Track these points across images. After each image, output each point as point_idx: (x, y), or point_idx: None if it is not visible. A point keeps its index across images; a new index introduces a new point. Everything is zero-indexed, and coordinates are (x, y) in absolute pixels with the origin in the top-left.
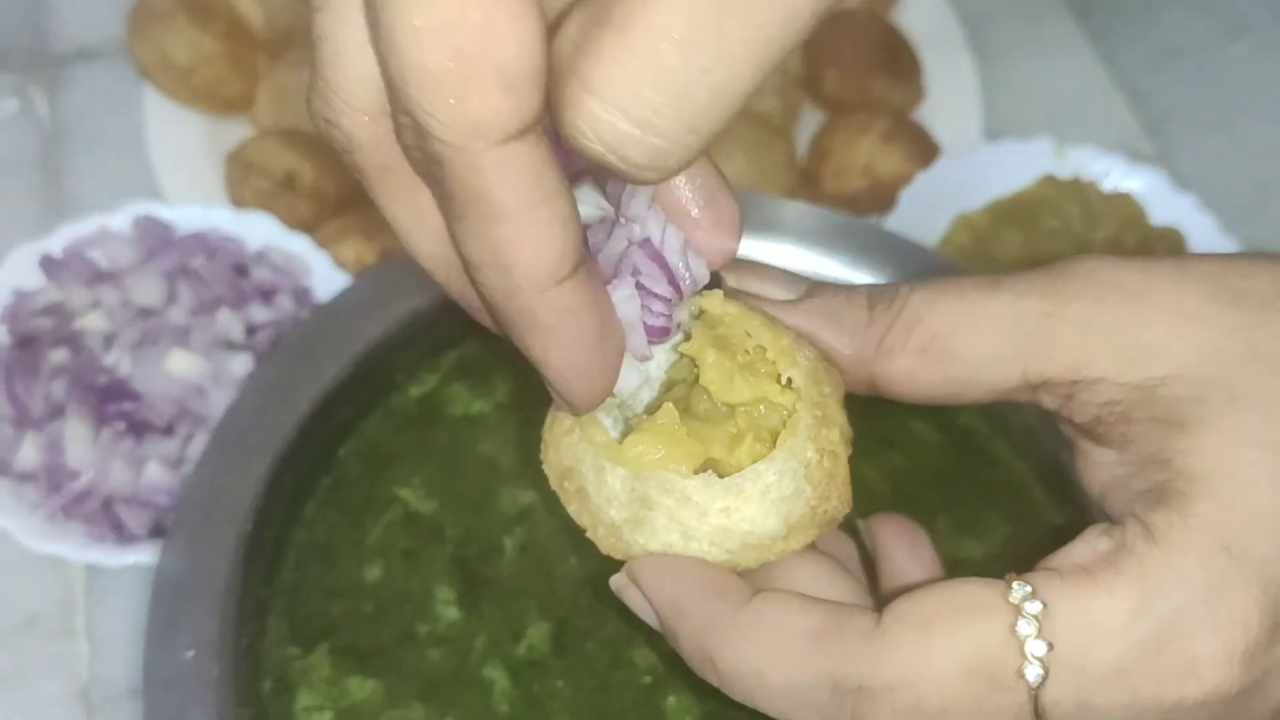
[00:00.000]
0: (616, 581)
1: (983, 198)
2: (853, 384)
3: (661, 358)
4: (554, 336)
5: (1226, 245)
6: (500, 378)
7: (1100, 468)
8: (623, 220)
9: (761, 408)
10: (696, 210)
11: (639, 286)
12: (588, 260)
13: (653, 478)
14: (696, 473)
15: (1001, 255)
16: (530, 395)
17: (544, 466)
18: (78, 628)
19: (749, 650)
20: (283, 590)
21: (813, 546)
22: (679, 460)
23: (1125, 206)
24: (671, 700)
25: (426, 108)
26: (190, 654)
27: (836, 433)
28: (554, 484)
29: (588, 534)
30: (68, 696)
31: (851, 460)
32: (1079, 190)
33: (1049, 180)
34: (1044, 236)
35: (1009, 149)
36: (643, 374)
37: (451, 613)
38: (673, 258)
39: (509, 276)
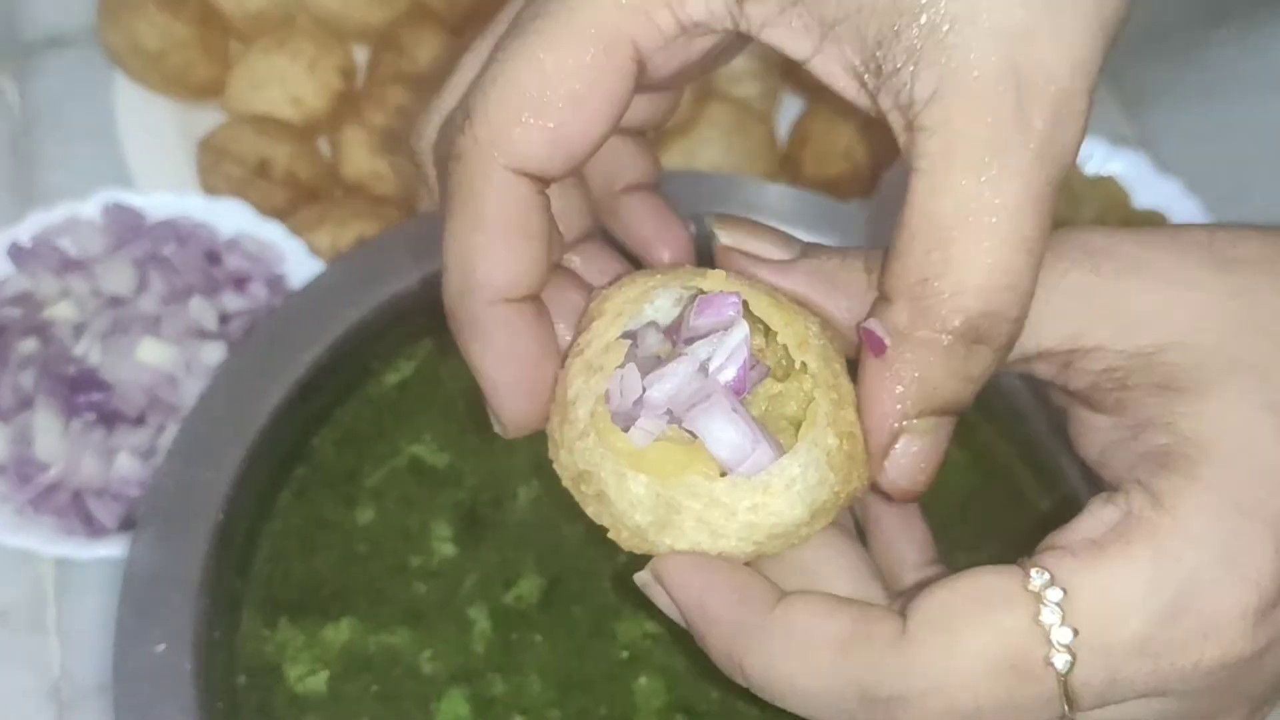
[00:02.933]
0: (642, 579)
1: None
2: (848, 349)
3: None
4: (491, 346)
5: None
6: None
7: (1097, 433)
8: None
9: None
10: (653, 235)
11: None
12: (542, 303)
13: (679, 483)
14: (722, 474)
15: None
16: None
17: (554, 466)
18: (48, 622)
19: (778, 659)
20: (257, 579)
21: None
22: (703, 464)
23: (1108, 190)
24: (642, 680)
25: (491, 109)
26: (161, 647)
27: (853, 411)
28: (567, 484)
29: (609, 534)
30: (38, 692)
31: None
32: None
33: None
34: None
35: None
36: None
37: (447, 549)
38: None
39: (469, 278)
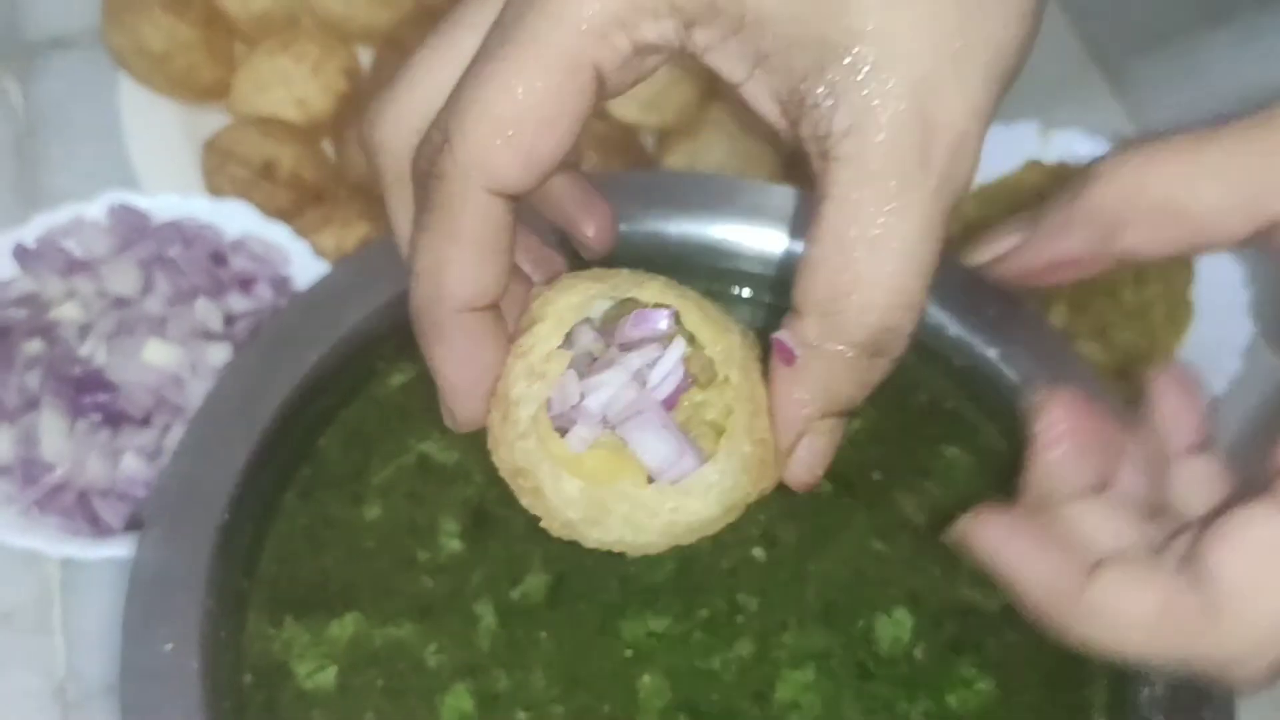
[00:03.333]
0: (954, 533)
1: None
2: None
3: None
4: (453, 351)
5: None
6: None
7: None
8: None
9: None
10: (579, 213)
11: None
12: (499, 310)
13: (610, 489)
14: (649, 480)
15: None
16: None
17: (492, 457)
18: (54, 623)
19: (1096, 634)
20: (263, 578)
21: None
22: (632, 471)
23: None
24: (646, 679)
25: (469, 135)
26: (169, 647)
27: (765, 418)
28: (505, 475)
29: (541, 523)
30: (44, 693)
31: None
32: (1065, 175)
33: (1034, 165)
34: None
35: (993, 133)
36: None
37: (454, 544)
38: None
39: (440, 288)
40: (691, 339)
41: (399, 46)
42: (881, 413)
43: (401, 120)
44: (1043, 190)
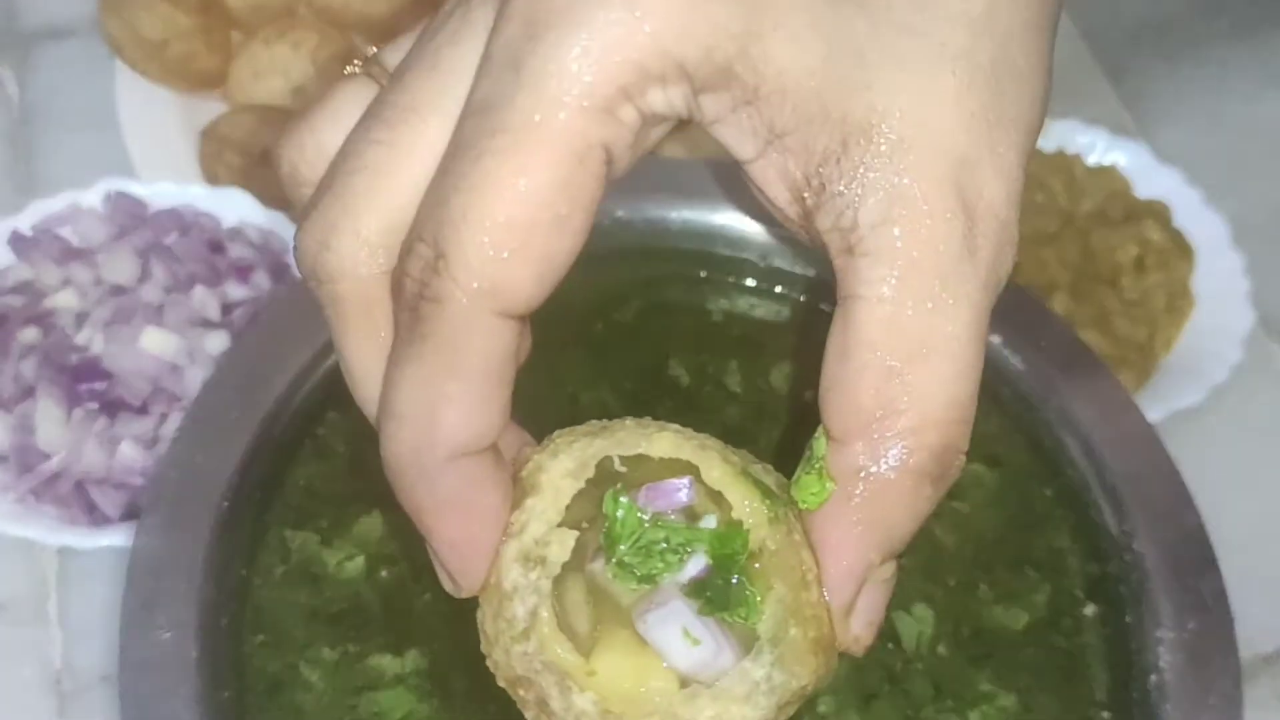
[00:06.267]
0: None
1: None
2: None
3: None
4: (452, 506)
5: (1212, 218)
6: None
7: None
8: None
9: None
10: None
11: None
12: (498, 448)
13: (633, 702)
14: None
15: None
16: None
17: (486, 661)
18: (50, 613)
19: None
20: (261, 563)
21: None
22: (658, 676)
23: (1110, 180)
24: None
25: (470, 250)
26: (167, 635)
27: (815, 589)
28: (503, 684)
29: None
30: (40, 684)
31: None
32: (1063, 164)
33: (1033, 155)
34: (1029, 211)
35: None
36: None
37: None
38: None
39: (431, 432)
40: (711, 500)
41: (396, 35)
42: None
43: (363, 235)
44: (1041, 179)
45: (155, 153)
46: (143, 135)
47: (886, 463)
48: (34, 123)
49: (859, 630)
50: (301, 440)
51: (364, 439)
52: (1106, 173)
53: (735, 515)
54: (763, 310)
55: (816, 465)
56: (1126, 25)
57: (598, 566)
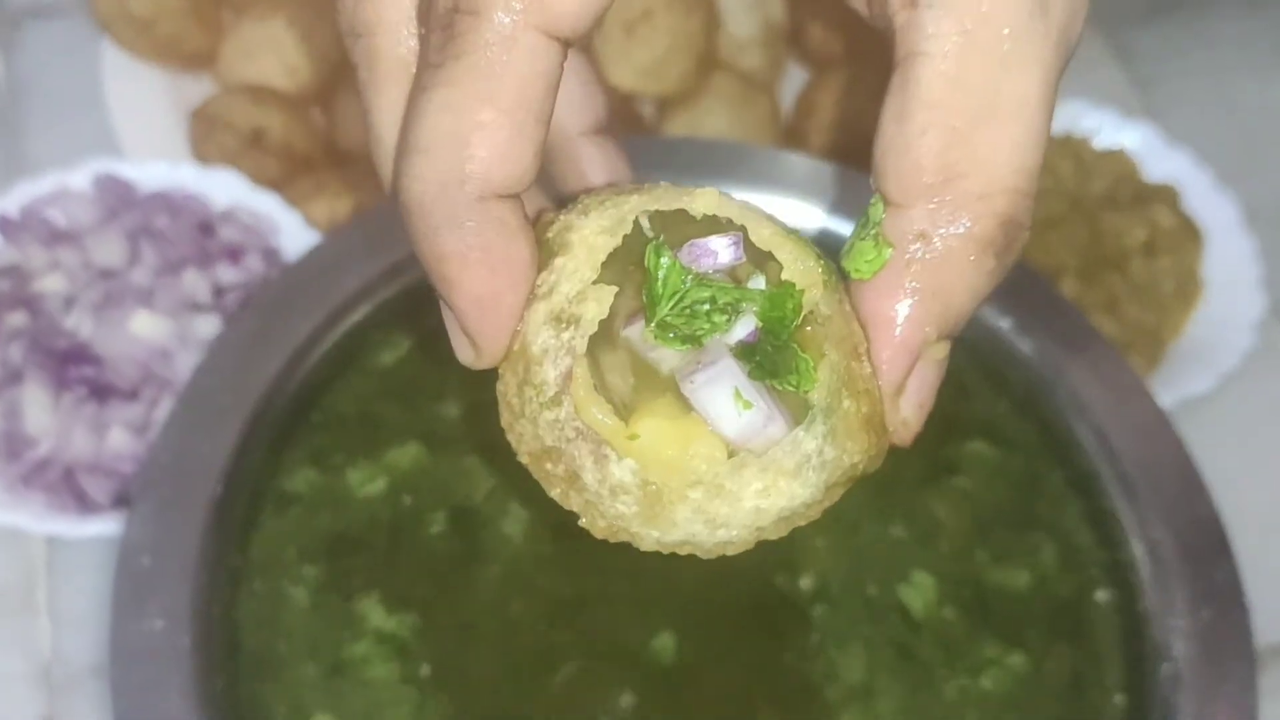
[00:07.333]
0: None
1: None
2: None
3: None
4: (477, 250)
5: (1224, 200)
6: None
7: None
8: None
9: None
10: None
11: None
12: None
13: (676, 470)
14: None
15: None
16: None
17: (507, 435)
18: (39, 603)
19: None
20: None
21: None
22: (704, 443)
23: (1118, 163)
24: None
25: None
26: (159, 624)
27: (866, 363)
28: (525, 460)
29: (581, 521)
30: (28, 676)
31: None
32: (1071, 147)
33: None
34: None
35: None
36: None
37: (488, 483)
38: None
39: (461, 165)
40: (756, 266)
41: None
42: None
43: None
44: (1049, 162)
45: (144, 133)
46: (131, 116)
47: (950, 229)
48: (20, 103)
49: (908, 413)
50: (295, 423)
51: (356, 430)
52: (1115, 155)
53: (785, 277)
54: None
55: (873, 231)
56: (1136, 4)
57: (634, 332)
